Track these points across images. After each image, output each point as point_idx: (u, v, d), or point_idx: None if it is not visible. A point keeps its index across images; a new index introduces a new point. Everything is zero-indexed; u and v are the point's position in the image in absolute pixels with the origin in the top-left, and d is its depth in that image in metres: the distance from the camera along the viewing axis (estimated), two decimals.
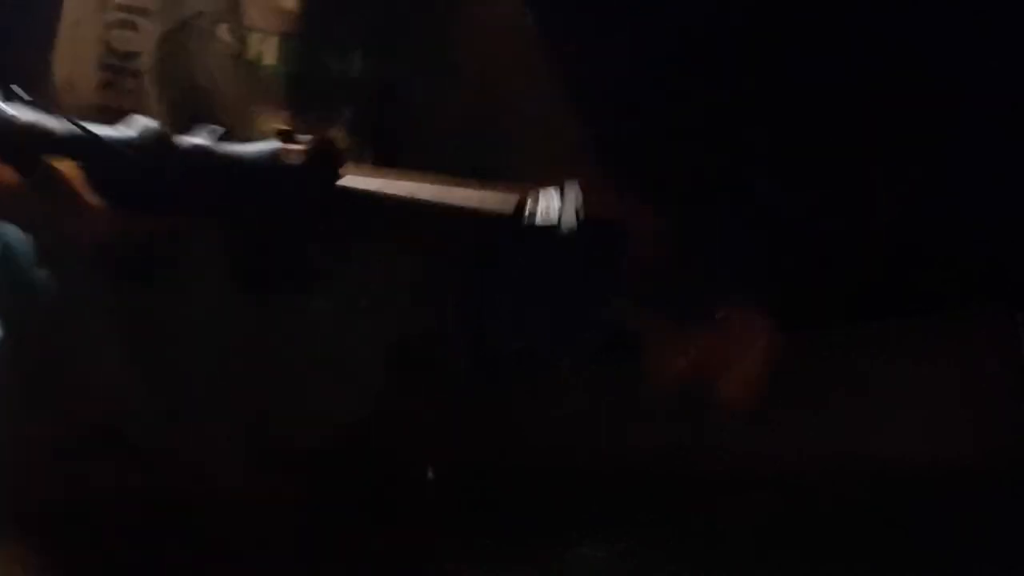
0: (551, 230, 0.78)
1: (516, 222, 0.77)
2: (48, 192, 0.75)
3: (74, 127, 0.78)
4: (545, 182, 0.86)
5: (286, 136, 0.79)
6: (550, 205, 0.81)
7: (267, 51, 0.90)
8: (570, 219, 0.79)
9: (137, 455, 0.90)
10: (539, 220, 0.78)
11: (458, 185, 0.71)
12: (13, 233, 1.06)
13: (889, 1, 2.48)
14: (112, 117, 0.85)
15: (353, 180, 0.75)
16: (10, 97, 0.79)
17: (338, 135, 0.90)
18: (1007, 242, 3.63)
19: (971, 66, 2.79)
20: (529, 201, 0.80)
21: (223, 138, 0.82)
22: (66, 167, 0.74)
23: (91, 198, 0.75)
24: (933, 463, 3.89)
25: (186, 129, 0.84)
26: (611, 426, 4.60)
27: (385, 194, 0.70)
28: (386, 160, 0.90)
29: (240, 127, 0.86)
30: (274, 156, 0.76)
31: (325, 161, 0.78)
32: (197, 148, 0.80)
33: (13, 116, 0.78)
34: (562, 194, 0.79)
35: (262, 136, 0.83)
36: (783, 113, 3.11)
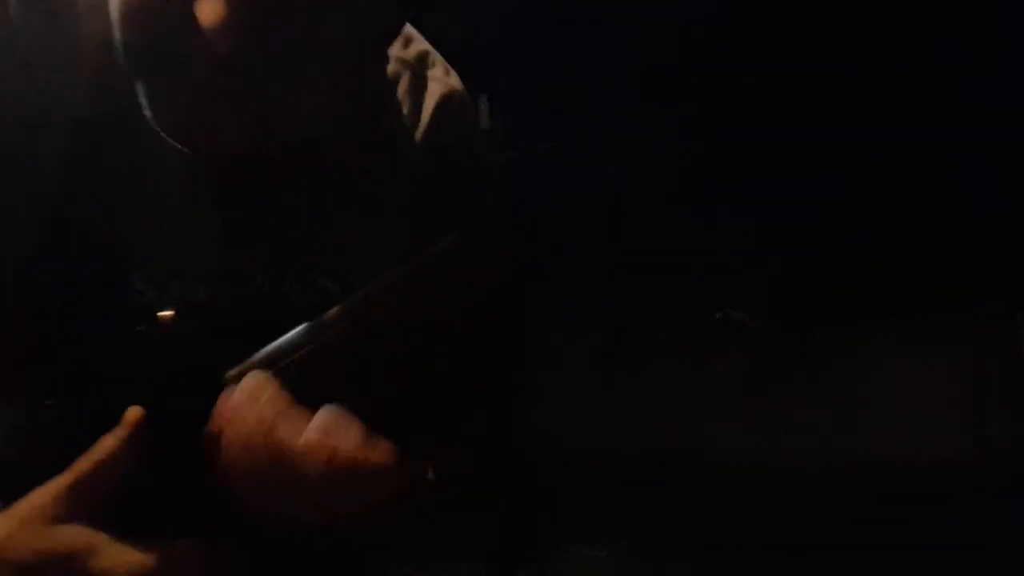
0: None
1: None
2: None
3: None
4: None
5: None
6: None
7: None
8: None
9: None
10: None
11: None
12: None
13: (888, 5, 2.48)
14: None
15: None
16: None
17: None
18: (1007, 242, 3.64)
19: (970, 68, 2.78)
20: None
21: None
22: None
23: None
24: (933, 462, 3.89)
25: None
26: (612, 427, 4.60)
27: None
28: None
29: None
30: None
31: None
32: None
33: None
34: None
35: None
36: (782, 114, 3.11)
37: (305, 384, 0.53)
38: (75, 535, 0.50)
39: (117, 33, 0.58)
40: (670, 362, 4.81)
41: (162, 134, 0.62)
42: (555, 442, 4.61)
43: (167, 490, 0.55)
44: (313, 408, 0.51)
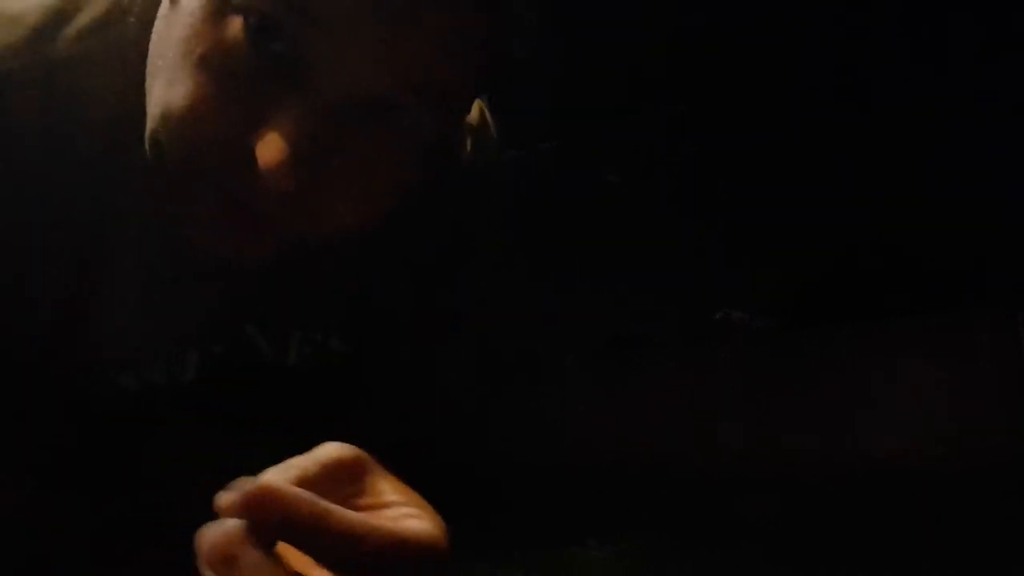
0: None
1: None
2: None
3: None
4: None
5: None
6: None
7: None
8: None
9: None
10: None
11: None
12: None
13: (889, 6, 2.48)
14: None
15: None
16: None
17: None
18: (1007, 242, 3.64)
19: (969, 68, 2.78)
20: None
21: None
22: None
23: None
24: (933, 462, 3.89)
25: None
26: (612, 427, 4.60)
27: None
28: None
29: None
30: None
31: None
32: None
33: None
34: None
35: None
36: (784, 114, 3.11)
37: None
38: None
39: (163, 144, 0.55)
40: (670, 362, 4.82)
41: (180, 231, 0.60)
42: (555, 442, 4.61)
43: None
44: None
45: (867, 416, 4.30)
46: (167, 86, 0.52)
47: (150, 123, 0.54)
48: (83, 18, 0.63)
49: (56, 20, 0.63)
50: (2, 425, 0.67)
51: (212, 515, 0.42)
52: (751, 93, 2.76)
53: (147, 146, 0.55)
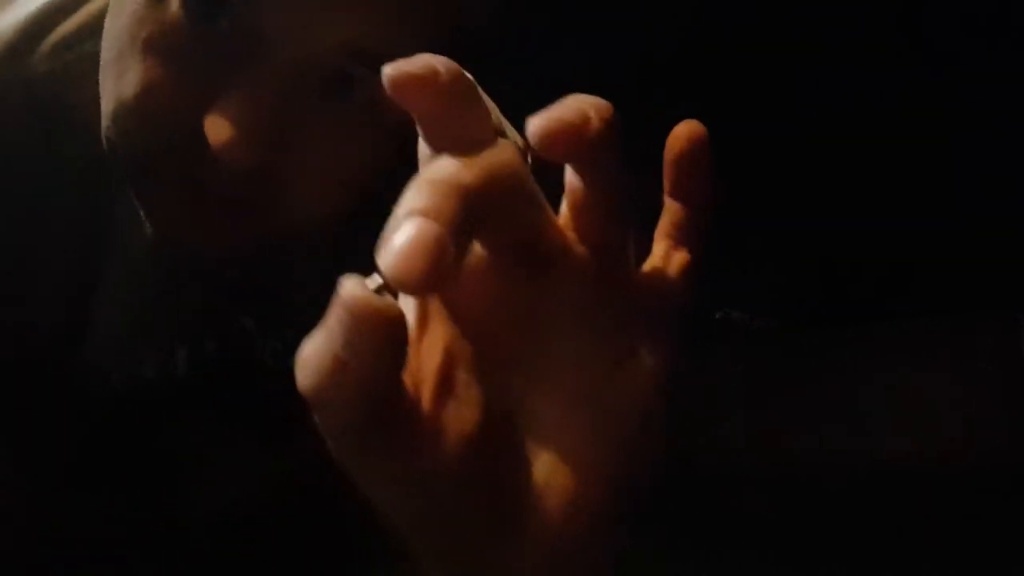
0: None
1: None
2: None
3: None
4: None
5: None
6: None
7: None
8: None
9: None
10: None
11: None
12: None
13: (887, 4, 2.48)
14: None
15: None
16: None
17: None
18: (1007, 243, 3.63)
19: (970, 67, 2.78)
20: None
21: None
22: None
23: None
24: (933, 462, 3.88)
25: None
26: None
27: None
28: None
29: None
30: None
31: None
32: None
33: None
34: None
35: None
36: (784, 113, 3.10)
37: None
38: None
39: (115, 140, 0.57)
40: None
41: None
42: None
43: None
44: None
45: (868, 417, 4.28)
46: (117, 78, 0.54)
47: (104, 121, 0.56)
48: (58, 33, 0.65)
49: (31, 37, 0.64)
50: (3, 428, 0.68)
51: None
52: (752, 93, 2.77)
53: (104, 146, 0.56)
